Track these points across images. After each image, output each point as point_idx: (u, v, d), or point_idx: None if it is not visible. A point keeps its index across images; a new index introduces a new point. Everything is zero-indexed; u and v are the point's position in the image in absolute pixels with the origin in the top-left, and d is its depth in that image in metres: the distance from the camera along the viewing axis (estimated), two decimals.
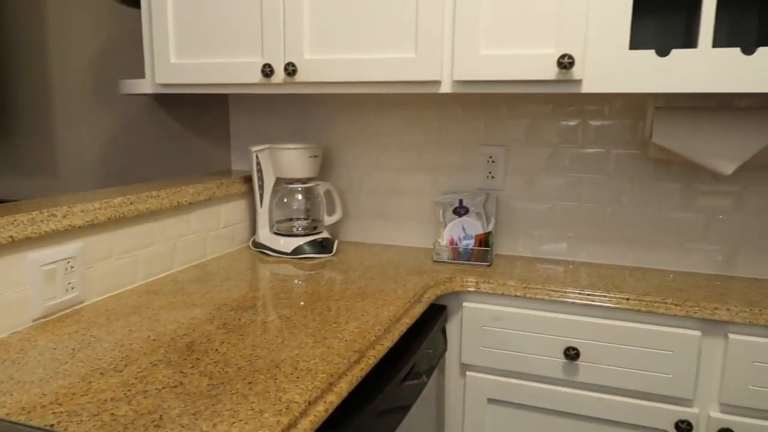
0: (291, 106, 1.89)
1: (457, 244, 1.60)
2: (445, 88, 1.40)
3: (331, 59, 1.45)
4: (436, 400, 1.44)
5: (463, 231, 1.61)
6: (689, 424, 1.29)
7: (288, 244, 1.64)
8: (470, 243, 1.59)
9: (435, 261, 1.60)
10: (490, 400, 1.46)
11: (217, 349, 1.00)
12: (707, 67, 1.20)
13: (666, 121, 1.38)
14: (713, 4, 1.18)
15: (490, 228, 1.62)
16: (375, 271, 1.50)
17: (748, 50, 1.18)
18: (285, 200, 1.71)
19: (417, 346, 1.22)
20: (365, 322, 1.13)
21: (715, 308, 1.27)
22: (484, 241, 1.58)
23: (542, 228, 1.70)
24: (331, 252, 1.66)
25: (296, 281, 1.40)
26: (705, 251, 1.56)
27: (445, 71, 1.39)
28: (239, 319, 1.14)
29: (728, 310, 1.26)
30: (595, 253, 1.66)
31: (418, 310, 1.29)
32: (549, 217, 1.69)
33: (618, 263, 1.65)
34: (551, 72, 1.29)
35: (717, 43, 1.45)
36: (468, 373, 1.47)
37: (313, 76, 1.47)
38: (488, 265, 1.57)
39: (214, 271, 1.49)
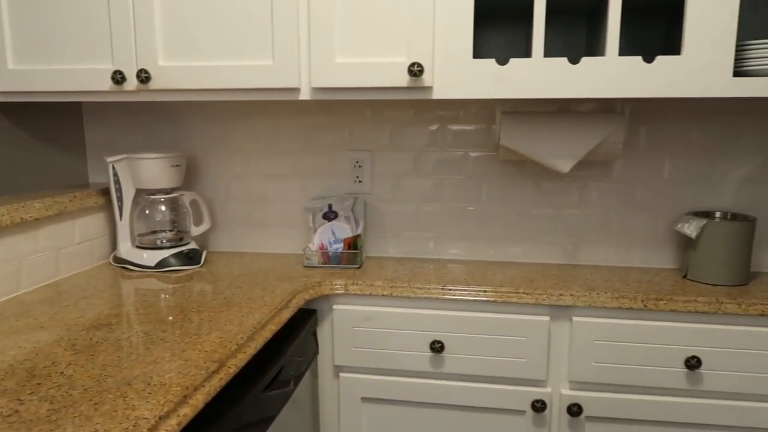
0: (152, 114, 1.82)
1: (327, 249, 1.62)
2: (304, 95, 1.42)
3: (187, 66, 1.42)
4: (311, 404, 1.45)
5: (333, 235, 1.63)
6: (543, 403, 1.40)
7: (152, 257, 1.57)
8: (340, 247, 1.62)
9: (306, 266, 1.61)
10: (365, 399, 1.49)
11: (62, 372, 0.94)
12: (540, 74, 1.32)
13: (511, 125, 1.50)
14: (543, 17, 1.30)
15: (358, 231, 1.66)
16: (243, 280, 1.48)
17: (575, 60, 1.31)
18: (147, 212, 1.64)
19: (282, 354, 1.22)
20: (228, 331, 1.12)
21: (560, 294, 1.39)
22: (353, 244, 1.62)
23: (410, 229, 1.76)
24: (199, 263, 1.62)
25: (160, 295, 1.35)
26: (555, 243, 1.71)
27: (303, 79, 1.41)
28: (91, 339, 1.08)
29: (571, 295, 1.38)
30: (460, 250, 1.75)
31: (286, 315, 1.29)
32: (416, 218, 1.76)
33: (481, 259, 1.75)
34: (403, 79, 1.35)
35: (551, 53, 1.59)
36: (341, 374, 1.49)
37: (168, 83, 1.43)
38: (358, 268, 1.60)
39: (69, 290, 1.40)
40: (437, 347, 1.42)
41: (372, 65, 1.36)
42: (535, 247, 1.72)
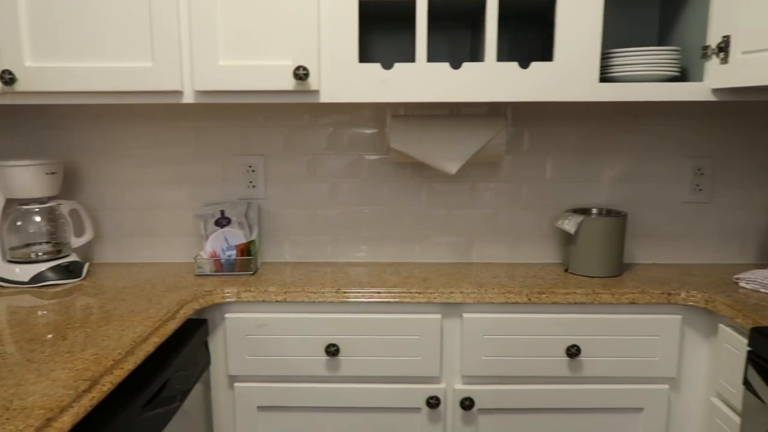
0: (27, 118, 1.69)
1: (219, 256, 1.58)
2: (188, 99, 1.38)
3: (58, 67, 1.34)
4: (204, 416, 1.40)
5: (226, 242, 1.59)
6: (438, 399, 1.43)
7: (25, 272, 1.46)
8: (233, 253, 1.58)
9: (197, 275, 1.56)
10: (261, 408, 1.46)
11: None
12: (423, 79, 1.35)
13: (400, 128, 1.53)
14: (425, 23, 1.33)
15: (252, 237, 1.63)
16: (128, 292, 1.41)
17: (456, 65, 1.36)
18: (19, 223, 1.53)
19: (167, 367, 1.17)
20: (105, 347, 1.06)
21: (451, 292, 1.43)
22: (247, 250, 1.58)
23: (307, 233, 1.75)
24: (80, 276, 1.53)
25: (33, 312, 1.26)
26: (449, 243, 1.76)
27: (186, 81, 1.37)
28: None
29: (461, 292, 1.43)
30: (359, 253, 1.76)
31: (171, 327, 1.24)
32: (313, 222, 1.75)
33: (380, 260, 1.77)
34: (289, 83, 1.34)
35: (438, 58, 1.64)
36: (236, 384, 1.45)
37: (36, 85, 1.33)
38: (252, 274, 1.57)
39: None
40: (332, 351, 1.41)
41: (257, 68, 1.34)
42: (431, 247, 1.76)
